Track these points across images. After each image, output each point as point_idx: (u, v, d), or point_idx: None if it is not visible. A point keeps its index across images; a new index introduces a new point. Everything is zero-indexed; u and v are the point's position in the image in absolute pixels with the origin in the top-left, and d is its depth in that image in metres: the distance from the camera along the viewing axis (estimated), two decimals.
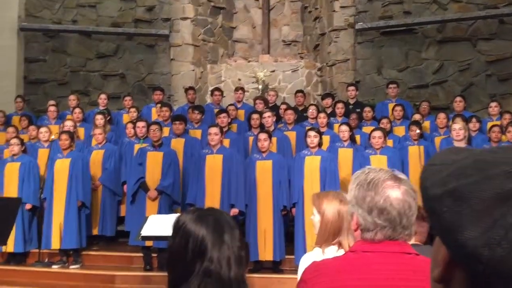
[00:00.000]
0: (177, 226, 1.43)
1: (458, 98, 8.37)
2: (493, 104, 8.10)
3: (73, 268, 6.47)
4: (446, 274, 0.62)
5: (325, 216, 2.34)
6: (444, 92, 9.77)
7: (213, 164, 6.37)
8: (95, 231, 7.13)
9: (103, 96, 9.00)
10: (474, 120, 7.51)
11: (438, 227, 0.61)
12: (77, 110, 8.34)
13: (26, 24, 10.44)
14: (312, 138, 6.26)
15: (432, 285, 0.65)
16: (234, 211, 6.21)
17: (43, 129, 7.48)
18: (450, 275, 0.61)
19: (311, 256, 2.30)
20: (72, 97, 9.07)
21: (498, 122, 7.51)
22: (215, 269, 1.35)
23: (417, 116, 7.97)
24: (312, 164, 6.26)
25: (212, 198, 6.25)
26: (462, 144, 6.42)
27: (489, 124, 7.49)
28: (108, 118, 8.15)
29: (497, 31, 9.50)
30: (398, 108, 8.18)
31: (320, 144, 6.38)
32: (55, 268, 6.45)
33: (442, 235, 0.60)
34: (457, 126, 6.51)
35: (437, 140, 7.35)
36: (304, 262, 2.25)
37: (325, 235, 2.33)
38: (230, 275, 1.36)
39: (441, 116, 7.69)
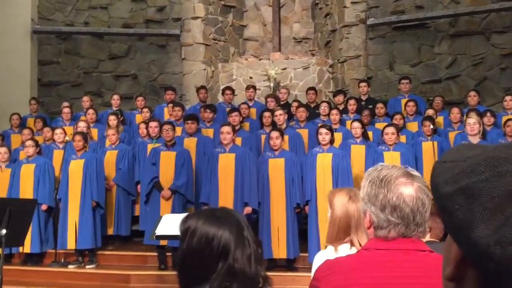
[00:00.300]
0: (189, 230, 1.43)
1: (472, 93, 8.26)
2: (508, 97, 7.98)
3: (89, 268, 6.54)
4: (458, 273, 0.61)
5: (334, 212, 2.33)
6: (457, 87, 9.67)
7: (226, 163, 6.38)
8: (110, 231, 7.19)
9: (115, 96, 9.06)
10: (488, 114, 7.41)
11: (450, 225, 0.60)
12: (91, 111, 8.41)
13: (39, 27, 10.55)
14: (324, 135, 6.24)
15: (443, 284, 0.65)
16: (248, 210, 6.21)
17: (58, 131, 7.56)
18: (462, 273, 0.60)
19: (325, 254, 2.29)
20: (85, 98, 9.15)
21: None
22: (239, 268, 1.37)
23: (430, 112, 7.89)
24: (324, 162, 6.24)
25: (225, 197, 6.26)
26: (476, 139, 6.35)
27: (504, 118, 7.39)
28: (121, 119, 8.22)
29: (511, 24, 9.37)
30: (411, 103, 8.12)
31: (332, 141, 6.35)
32: (71, 268, 6.52)
33: (453, 233, 0.60)
34: (472, 120, 6.44)
35: (452, 135, 7.27)
36: (318, 260, 2.25)
37: (334, 231, 2.32)
38: (252, 272, 1.38)
39: (455, 111, 7.60)
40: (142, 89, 10.58)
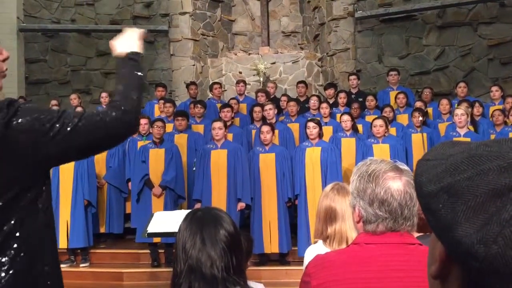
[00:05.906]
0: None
1: (462, 84, 8.29)
2: (494, 88, 8.05)
3: (83, 266, 6.52)
4: (442, 271, 0.61)
5: (318, 205, 2.39)
6: (446, 78, 9.72)
7: (218, 159, 6.37)
8: (102, 229, 7.16)
9: (104, 94, 9.01)
10: (477, 104, 7.46)
11: (433, 224, 0.60)
12: (79, 109, 8.34)
13: (25, 25, 10.43)
14: (312, 129, 6.24)
15: (429, 281, 0.65)
16: (241, 205, 6.22)
17: None
18: (447, 271, 0.61)
19: (315, 249, 2.30)
20: (73, 96, 9.08)
21: (500, 106, 7.48)
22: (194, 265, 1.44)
23: (419, 103, 7.93)
24: (312, 156, 6.25)
25: (218, 193, 6.26)
26: (465, 130, 6.40)
27: (491, 109, 7.45)
28: None
29: (497, 14, 9.42)
30: (401, 95, 8.13)
31: (320, 135, 6.35)
32: (63, 267, 6.45)
33: (437, 232, 0.60)
34: (459, 111, 6.48)
35: (442, 127, 7.31)
36: (309, 255, 2.26)
37: (319, 225, 2.36)
38: (211, 273, 1.42)
39: (444, 102, 7.64)
40: None
